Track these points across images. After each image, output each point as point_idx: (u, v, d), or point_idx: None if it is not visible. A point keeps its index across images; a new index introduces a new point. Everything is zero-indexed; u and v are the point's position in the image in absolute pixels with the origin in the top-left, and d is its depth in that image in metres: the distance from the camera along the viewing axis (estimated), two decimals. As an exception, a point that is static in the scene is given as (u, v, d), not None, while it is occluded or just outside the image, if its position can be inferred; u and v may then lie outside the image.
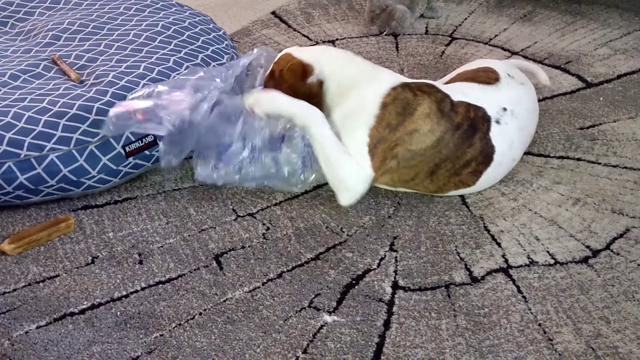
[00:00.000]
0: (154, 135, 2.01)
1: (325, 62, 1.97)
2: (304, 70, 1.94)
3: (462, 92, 1.98)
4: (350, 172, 1.90)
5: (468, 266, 1.80)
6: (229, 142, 1.93)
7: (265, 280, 1.77)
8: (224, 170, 1.95)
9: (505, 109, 1.98)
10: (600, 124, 2.32)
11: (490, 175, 2.00)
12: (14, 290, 1.76)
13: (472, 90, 2.01)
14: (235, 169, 1.95)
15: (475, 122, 1.94)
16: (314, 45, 2.87)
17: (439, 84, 2.02)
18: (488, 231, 1.91)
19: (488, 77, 2.07)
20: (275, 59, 2.01)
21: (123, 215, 1.99)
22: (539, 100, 2.43)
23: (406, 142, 1.90)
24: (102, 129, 1.92)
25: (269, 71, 2.00)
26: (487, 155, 1.96)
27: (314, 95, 1.94)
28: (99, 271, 1.81)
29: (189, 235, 1.91)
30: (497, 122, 1.96)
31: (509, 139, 1.99)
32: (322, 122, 1.90)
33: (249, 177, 1.97)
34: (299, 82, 1.94)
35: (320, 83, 1.94)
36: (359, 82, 1.94)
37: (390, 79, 1.96)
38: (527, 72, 2.26)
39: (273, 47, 2.86)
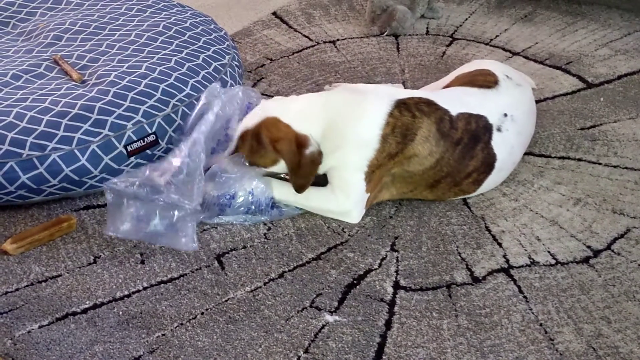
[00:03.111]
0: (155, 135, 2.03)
1: (316, 122, 1.89)
2: (299, 141, 1.86)
3: (461, 102, 1.95)
4: (339, 207, 1.93)
5: (469, 266, 1.81)
6: (232, 194, 1.91)
7: (266, 280, 1.78)
8: (230, 217, 1.96)
9: (505, 115, 1.97)
10: (601, 124, 2.32)
11: (491, 182, 2.01)
12: (17, 289, 1.76)
13: (472, 97, 1.99)
14: (242, 215, 1.96)
15: (476, 133, 1.92)
16: (314, 46, 2.88)
17: (437, 96, 1.96)
18: (489, 231, 1.91)
19: (487, 80, 2.05)
20: (256, 119, 1.91)
21: (125, 215, 1.99)
22: (540, 101, 2.44)
23: (404, 165, 1.89)
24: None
25: (251, 132, 1.91)
26: (488, 164, 1.96)
27: (314, 165, 1.88)
28: (101, 271, 1.81)
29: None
30: (499, 129, 1.95)
31: (509, 145, 1.98)
32: (285, 190, 1.93)
33: (256, 218, 1.96)
34: (296, 154, 1.86)
35: (319, 153, 1.88)
36: (352, 125, 1.87)
37: (382, 103, 1.88)
38: None
39: (274, 48, 2.87)
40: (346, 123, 1.88)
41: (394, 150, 1.87)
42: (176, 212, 1.83)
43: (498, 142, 1.95)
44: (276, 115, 1.90)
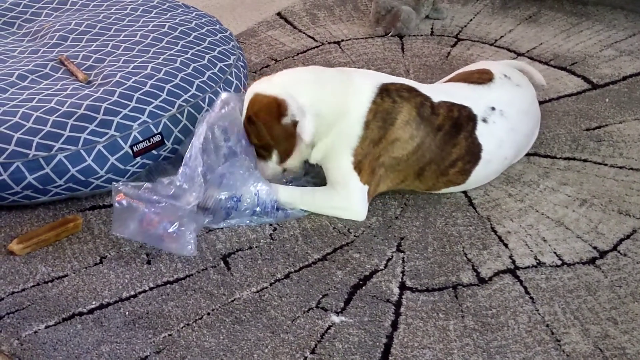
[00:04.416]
0: (161, 135, 2.03)
1: (298, 95, 1.86)
2: (279, 107, 1.84)
3: (447, 93, 1.99)
4: (342, 202, 1.94)
5: (475, 267, 1.81)
6: (239, 196, 1.91)
7: (272, 281, 1.78)
8: (234, 220, 1.95)
9: (493, 108, 1.99)
10: (606, 125, 2.32)
11: (481, 174, 2.01)
12: (23, 290, 1.76)
13: (460, 90, 2.02)
14: (248, 217, 1.95)
15: (459, 122, 1.94)
16: (319, 46, 2.88)
17: (420, 85, 2.00)
18: (495, 232, 1.91)
19: (481, 78, 2.08)
20: (246, 102, 1.92)
21: (131, 215, 1.99)
22: (545, 102, 2.44)
23: (389, 151, 1.91)
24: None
25: (244, 118, 1.92)
26: (473, 154, 1.97)
27: (290, 136, 1.87)
28: (107, 271, 1.81)
29: (196, 236, 1.91)
30: (484, 120, 1.97)
31: (497, 138, 1.99)
32: (289, 193, 1.95)
33: (262, 220, 1.96)
34: (275, 122, 1.85)
35: (295, 124, 1.85)
36: (340, 110, 1.89)
37: (367, 87, 1.90)
38: (524, 73, 2.26)
39: (278, 48, 2.87)
40: (333, 109, 1.90)
41: (376, 136, 1.89)
42: (176, 216, 1.82)
43: (483, 133, 1.96)
44: (257, 90, 1.89)
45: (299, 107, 1.86)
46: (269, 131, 1.87)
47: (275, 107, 1.85)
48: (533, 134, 2.16)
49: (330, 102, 1.90)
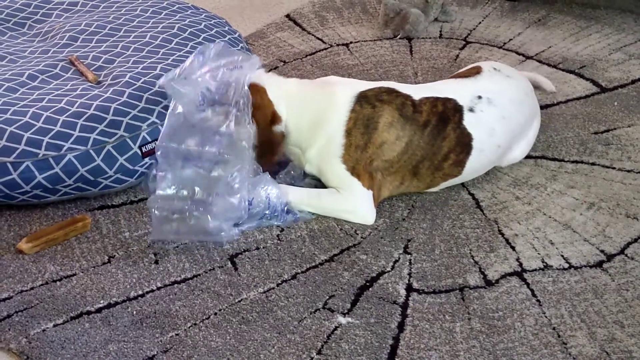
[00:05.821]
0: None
1: (291, 109, 1.96)
2: (274, 118, 1.94)
3: (431, 89, 2.02)
4: (349, 204, 1.95)
5: (482, 269, 1.81)
6: (250, 200, 1.92)
7: (279, 281, 1.78)
8: (244, 227, 1.95)
9: (480, 97, 2.00)
10: (615, 128, 2.32)
11: (476, 163, 2.02)
12: (32, 288, 1.78)
13: (445, 85, 2.06)
14: (256, 221, 1.96)
15: (445, 115, 1.96)
16: (327, 48, 2.89)
17: (401, 85, 2.02)
18: (502, 235, 1.91)
19: (470, 73, 2.12)
20: (252, 83, 1.94)
21: (139, 215, 2.00)
22: (553, 105, 2.44)
23: (379, 155, 1.93)
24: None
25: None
26: (464, 144, 1.98)
27: (275, 142, 1.95)
28: (115, 270, 1.82)
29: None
30: (471, 110, 1.98)
31: (487, 126, 2.00)
32: (298, 194, 1.98)
33: (270, 223, 1.97)
34: (266, 127, 1.94)
35: (282, 135, 1.95)
36: (318, 121, 1.95)
37: (346, 97, 1.95)
38: (533, 82, 2.28)
39: (287, 50, 2.88)
40: (315, 121, 1.95)
41: (360, 142, 1.92)
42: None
43: (472, 122, 1.98)
44: (265, 87, 1.96)
45: (287, 123, 1.96)
46: (260, 132, 1.93)
47: (271, 116, 1.94)
48: (530, 124, 2.14)
49: (309, 116, 1.96)
